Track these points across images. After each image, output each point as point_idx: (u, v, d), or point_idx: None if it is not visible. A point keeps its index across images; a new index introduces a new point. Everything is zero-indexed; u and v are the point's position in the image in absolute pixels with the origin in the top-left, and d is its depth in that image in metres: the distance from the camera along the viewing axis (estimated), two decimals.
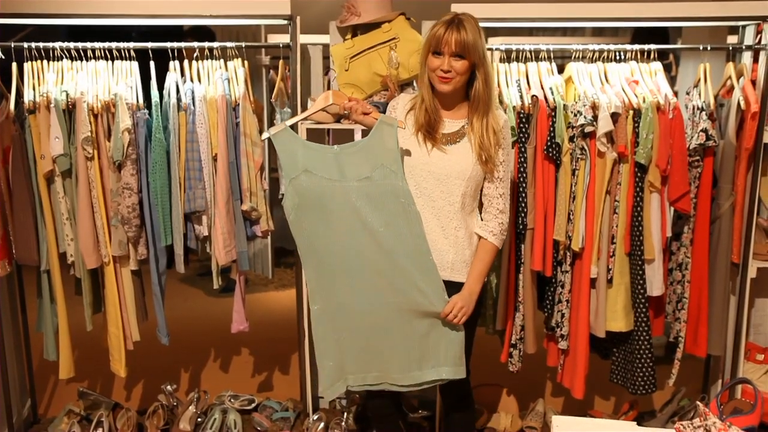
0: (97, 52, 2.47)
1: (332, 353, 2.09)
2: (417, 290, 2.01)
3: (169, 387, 2.84)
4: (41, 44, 2.43)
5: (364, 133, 2.09)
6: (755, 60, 2.53)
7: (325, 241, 2.02)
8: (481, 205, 2.10)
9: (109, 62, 2.49)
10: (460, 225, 2.04)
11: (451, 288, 2.06)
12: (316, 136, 2.69)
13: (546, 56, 2.50)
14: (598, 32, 4.22)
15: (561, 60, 2.57)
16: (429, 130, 2.02)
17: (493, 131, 1.99)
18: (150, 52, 2.48)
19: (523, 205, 2.44)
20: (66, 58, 2.47)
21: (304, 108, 2.59)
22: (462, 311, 2.00)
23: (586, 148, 2.40)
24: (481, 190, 2.08)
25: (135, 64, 2.51)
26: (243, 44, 2.57)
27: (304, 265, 2.08)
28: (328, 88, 2.82)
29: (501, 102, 2.45)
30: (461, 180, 2.00)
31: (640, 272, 2.47)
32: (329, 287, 2.05)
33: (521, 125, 2.42)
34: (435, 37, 1.93)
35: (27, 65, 2.44)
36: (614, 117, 2.37)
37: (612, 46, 2.47)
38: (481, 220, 2.09)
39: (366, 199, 1.98)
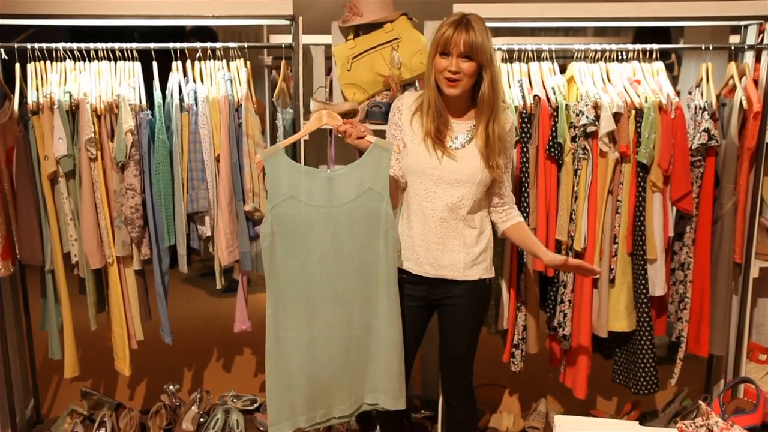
0: (100, 53, 2.47)
1: (281, 390, 2.04)
2: (375, 314, 2.02)
3: (171, 387, 2.85)
4: (44, 45, 2.44)
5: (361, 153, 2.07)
6: (757, 60, 2.53)
7: (294, 269, 1.98)
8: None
9: (112, 63, 2.49)
10: (469, 225, 2.06)
11: (463, 286, 2.08)
12: (319, 136, 2.70)
13: (548, 56, 2.50)
14: (600, 32, 4.22)
15: (563, 60, 2.57)
16: (438, 137, 2.01)
17: (498, 136, 1.99)
18: (153, 52, 2.49)
19: (525, 204, 2.44)
20: (69, 58, 2.48)
21: (306, 108, 2.59)
22: (569, 263, 2.10)
23: (588, 147, 2.40)
24: (491, 190, 2.11)
25: (138, 65, 2.51)
26: (245, 45, 2.57)
27: (268, 292, 2.01)
28: (330, 89, 2.83)
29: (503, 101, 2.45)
30: (471, 184, 2.01)
31: (643, 272, 2.47)
32: (288, 318, 2.00)
33: (523, 125, 2.42)
34: (443, 38, 1.92)
35: (30, 66, 2.44)
36: (616, 117, 2.37)
37: (614, 46, 2.47)
38: (502, 213, 2.14)
39: (347, 222, 1.96)
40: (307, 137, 2.38)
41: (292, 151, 2.59)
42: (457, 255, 2.06)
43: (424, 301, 2.13)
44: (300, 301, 1.99)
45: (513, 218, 2.13)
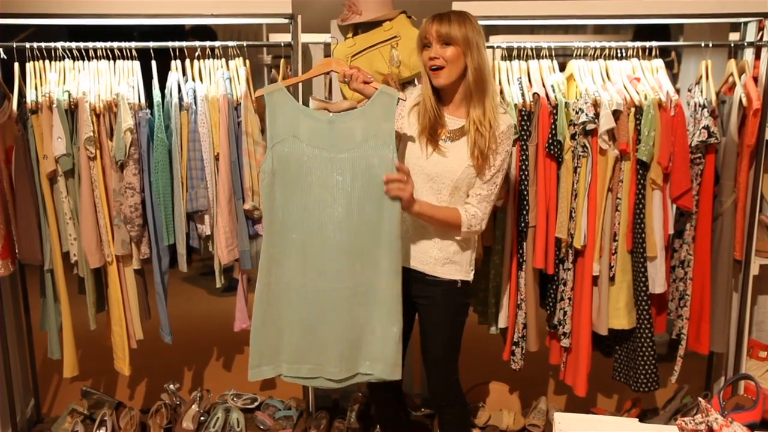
0: (99, 52, 2.47)
1: (267, 333, 1.99)
2: (375, 269, 1.95)
3: (172, 386, 2.85)
4: (43, 44, 2.44)
5: None
6: (757, 57, 2.53)
7: (293, 212, 1.94)
8: None
9: (111, 62, 2.49)
10: None
11: (434, 285, 2.07)
12: None
13: (547, 54, 2.50)
14: (599, 30, 4.22)
15: (562, 58, 2.57)
16: (431, 133, 2.02)
17: (489, 125, 1.96)
18: (152, 51, 2.49)
19: (524, 203, 2.44)
20: (68, 58, 2.48)
21: (307, 106, 2.59)
22: (399, 185, 1.88)
23: (587, 145, 2.40)
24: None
25: (137, 64, 2.51)
26: (244, 43, 2.57)
27: (265, 233, 1.98)
28: (330, 87, 2.83)
29: (503, 100, 2.45)
30: (450, 180, 2.00)
31: (643, 270, 2.47)
32: (283, 262, 1.96)
33: (523, 123, 2.42)
34: (422, 31, 1.96)
35: (29, 65, 2.45)
36: (616, 114, 2.36)
37: (613, 44, 2.47)
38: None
39: (350, 170, 1.92)
40: None
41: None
42: (431, 249, 2.05)
43: (406, 298, 2.09)
44: (296, 247, 1.95)
45: (460, 207, 2.03)
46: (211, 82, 2.53)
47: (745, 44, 2.54)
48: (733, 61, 2.52)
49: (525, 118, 2.43)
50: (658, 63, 2.48)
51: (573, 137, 2.41)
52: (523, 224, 2.47)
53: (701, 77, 2.50)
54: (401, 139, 2.07)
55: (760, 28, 2.53)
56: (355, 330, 1.99)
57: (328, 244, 1.94)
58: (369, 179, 1.92)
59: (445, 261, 2.06)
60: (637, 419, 2.29)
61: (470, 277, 2.12)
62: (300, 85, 2.55)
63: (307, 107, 1.98)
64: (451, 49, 1.92)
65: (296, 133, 1.92)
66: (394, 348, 1.98)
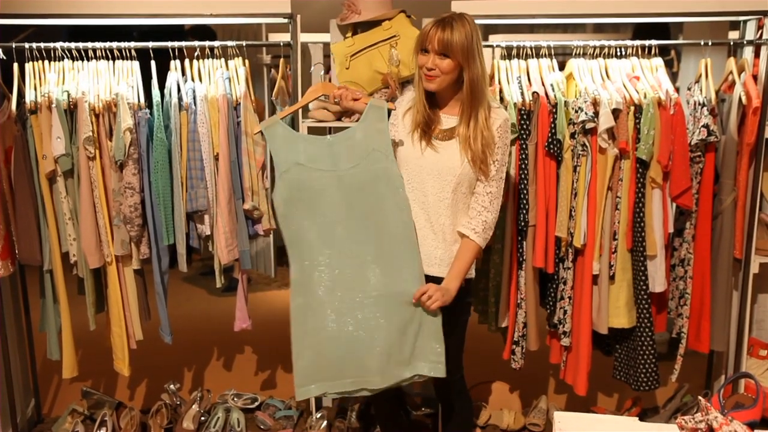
0: (99, 52, 2.48)
1: (308, 354, 2.03)
2: (399, 279, 1.98)
3: (172, 386, 2.85)
4: (42, 44, 2.44)
5: None
6: (756, 55, 2.53)
7: (312, 234, 1.99)
8: None
9: (111, 62, 2.49)
10: (450, 221, 2.03)
11: (438, 284, 2.06)
12: (317, 134, 2.70)
13: (547, 53, 2.50)
14: (598, 29, 4.22)
15: (562, 56, 2.57)
16: (425, 129, 2.02)
17: (481, 134, 1.96)
18: (151, 51, 2.49)
19: (524, 202, 2.44)
20: (67, 58, 2.48)
21: (306, 107, 2.59)
22: (432, 300, 1.95)
23: (587, 144, 2.40)
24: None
25: (136, 64, 2.52)
26: (244, 43, 2.57)
27: (290, 257, 2.03)
28: None
29: (502, 99, 2.45)
30: (452, 176, 1.99)
31: (643, 268, 2.46)
32: (312, 281, 2.00)
33: (522, 122, 2.42)
34: (423, 34, 1.95)
35: (28, 66, 2.45)
36: (615, 113, 2.36)
37: (613, 42, 2.47)
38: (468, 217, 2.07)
39: (357, 186, 1.97)
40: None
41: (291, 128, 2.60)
42: (435, 250, 2.04)
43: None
44: (321, 267, 2.00)
45: (465, 228, 2.03)
46: (211, 82, 2.53)
47: (745, 42, 2.54)
48: (732, 59, 2.52)
49: (524, 117, 2.43)
50: (658, 61, 2.48)
51: (572, 136, 2.41)
52: (522, 223, 2.47)
53: (701, 76, 2.50)
54: (398, 145, 2.08)
55: (760, 27, 2.53)
56: (391, 337, 2.00)
57: (350, 259, 1.99)
58: (375, 190, 1.98)
59: (450, 260, 2.06)
60: (638, 418, 2.29)
61: (473, 274, 2.13)
62: (299, 87, 2.55)
63: (305, 134, 2.06)
64: (449, 61, 1.92)
65: (299, 159, 2.00)
66: (436, 346, 2.01)
